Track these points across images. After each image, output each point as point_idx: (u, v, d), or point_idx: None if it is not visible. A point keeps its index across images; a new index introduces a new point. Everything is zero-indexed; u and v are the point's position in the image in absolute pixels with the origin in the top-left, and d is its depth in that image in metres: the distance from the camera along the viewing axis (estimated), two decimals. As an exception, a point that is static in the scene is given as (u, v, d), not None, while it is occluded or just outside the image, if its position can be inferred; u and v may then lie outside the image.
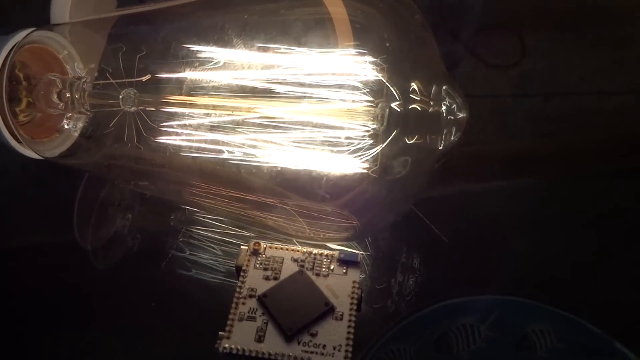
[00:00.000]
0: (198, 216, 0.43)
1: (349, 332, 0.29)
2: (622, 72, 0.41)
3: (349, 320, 0.29)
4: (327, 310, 0.30)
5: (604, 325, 0.31)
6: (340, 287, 0.31)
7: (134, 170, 0.38)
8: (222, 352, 0.28)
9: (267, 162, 0.34)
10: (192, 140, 0.36)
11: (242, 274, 0.31)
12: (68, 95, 0.38)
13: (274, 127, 0.35)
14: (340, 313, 0.30)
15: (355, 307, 0.30)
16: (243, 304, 0.30)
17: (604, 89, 0.40)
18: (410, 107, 0.32)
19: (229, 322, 0.29)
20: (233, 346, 0.28)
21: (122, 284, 0.38)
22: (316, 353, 0.28)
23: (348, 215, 0.33)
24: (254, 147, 0.35)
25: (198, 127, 0.36)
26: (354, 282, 0.31)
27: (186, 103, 0.36)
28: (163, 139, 0.36)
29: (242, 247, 0.33)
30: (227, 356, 0.28)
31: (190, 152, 0.36)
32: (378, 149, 0.32)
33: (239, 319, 0.29)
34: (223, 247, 0.40)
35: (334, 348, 0.28)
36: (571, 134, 0.39)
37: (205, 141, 0.36)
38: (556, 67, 0.42)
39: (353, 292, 0.31)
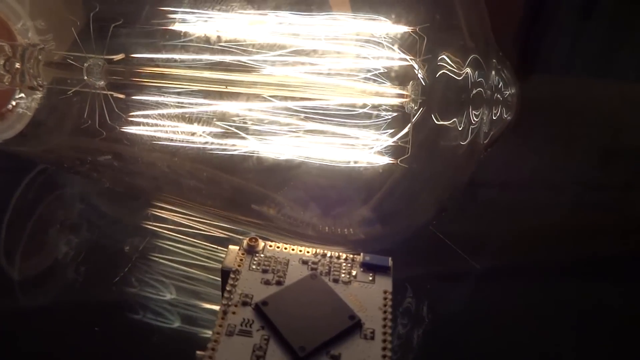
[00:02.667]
0: (160, 243, 0.34)
1: (385, 356, 0.20)
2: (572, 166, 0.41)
3: (384, 341, 0.21)
4: (353, 326, 0.21)
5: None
6: (368, 298, 0.22)
7: (99, 161, 0.29)
8: (201, 377, 0.19)
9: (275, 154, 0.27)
10: (174, 129, 0.29)
11: (232, 276, 0.23)
12: (17, 65, 0.31)
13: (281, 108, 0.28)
14: (371, 330, 0.21)
15: (390, 324, 0.22)
16: (234, 313, 0.21)
17: (556, 182, 0.39)
18: (443, 82, 0.26)
19: (212, 338, 0.20)
20: (219, 369, 0.19)
21: (54, 331, 0.28)
22: (341, 383, 0.19)
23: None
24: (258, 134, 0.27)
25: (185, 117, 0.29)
26: (385, 292, 0.23)
27: (170, 76, 0.29)
28: (136, 129, 0.29)
29: (230, 247, 0.24)
30: (208, 384, 0.19)
31: (171, 143, 0.29)
32: (406, 130, 0.26)
33: (227, 333, 0.20)
34: (184, 285, 0.31)
35: (366, 377, 0.20)
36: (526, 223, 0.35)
37: (194, 132, 0.28)
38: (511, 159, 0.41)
39: (385, 305, 0.22)
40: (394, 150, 0.26)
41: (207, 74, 0.28)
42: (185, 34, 0.29)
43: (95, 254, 0.34)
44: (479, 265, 0.31)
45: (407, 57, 0.26)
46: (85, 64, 0.29)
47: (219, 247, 0.34)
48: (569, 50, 0.52)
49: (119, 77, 0.29)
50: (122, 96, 0.30)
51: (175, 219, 0.36)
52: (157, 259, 0.34)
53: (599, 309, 0.30)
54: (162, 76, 0.29)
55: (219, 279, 0.23)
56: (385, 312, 0.22)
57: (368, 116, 0.27)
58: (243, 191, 0.26)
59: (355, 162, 0.26)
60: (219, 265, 0.32)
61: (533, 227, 0.35)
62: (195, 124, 0.29)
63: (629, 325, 0.30)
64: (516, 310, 0.30)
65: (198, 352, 0.20)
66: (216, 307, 0.22)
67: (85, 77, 0.29)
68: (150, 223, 0.36)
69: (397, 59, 0.25)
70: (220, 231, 0.34)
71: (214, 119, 0.28)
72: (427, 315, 0.29)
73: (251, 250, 0.24)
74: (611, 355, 0.28)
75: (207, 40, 0.29)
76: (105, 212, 0.38)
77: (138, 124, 0.30)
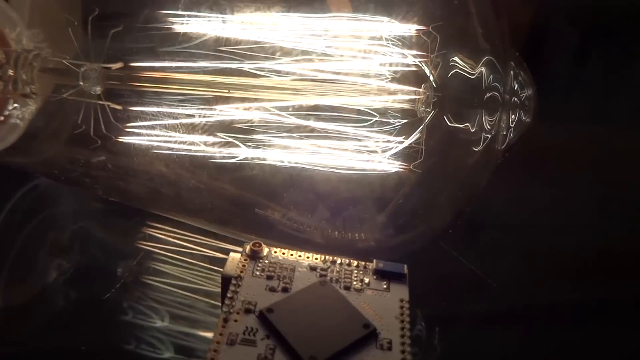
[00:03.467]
0: (155, 265, 0.32)
1: (404, 368, 0.18)
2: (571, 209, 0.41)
3: (403, 352, 0.19)
4: (368, 335, 0.19)
5: None
6: (383, 307, 0.20)
7: (93, 163, 0.27)
8: (199, 390, 0.17)
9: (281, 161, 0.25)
10: (174, 139, 0.27)
11: (233, 282, 0.21)
12: (11, 72, 0.29)
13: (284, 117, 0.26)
14: (388, 340, 0.19)
15: (408, 334, 0.19)
16: (235, 321, 0.19)
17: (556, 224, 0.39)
18: (456, 84, 0.24)
19: (212, 347, 0.18)
20: (219, 382, 0.17)
21: None
22: (356, 397, 0.17)
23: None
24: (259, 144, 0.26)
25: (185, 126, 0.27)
26: (401, 300, 0.21)
27: (170, 81, 0.28)
28: (133, 139, 0.27)
29: (231, 254, 0.22)
30: (207, 398, 0.17)
31: (170, 152, 0.27)
32: (418, 131, 0.24)
33: (228, 342, 0.18)
34: (179, 312, 0.29)
35: (384, 390, 0.17)
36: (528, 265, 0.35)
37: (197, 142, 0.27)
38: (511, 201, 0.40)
39: (403, 315, 0.20)
40: (407, 156, 0.25)
41: (208, 77, 0.27)
42: (187, 38, 0.28)
43: (86, 278, 0.32)
44: (495, 284, 0.29)
45: (418, 59, 0.25)
46: (81, 69, 0.28)
47: (217, 268, 0.32)
48: (565, 95, 0.53)
49: (117, 82, 0.28)
50: (119, 107, 0.29)
51: (171, 239, 0.34)
52: (150, 281, 0.32)
53: (601, 352, 0.29)
54: (162, 81, 0.28)
55: (218, 304, 0.21)
56: (402, 321, 0.20)
57: (379, 122, 0.25)
58: (246, 192, 0.24)
59: (367, 168, 0.25)
60: (217, 289, 0.30)
61: (535, 269, 0.34)
62: (197, 133, 0.27)
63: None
64: (517, 352, 0.28)
65: (196, 364, 0.18)
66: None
67: (82, 83, 0.28)
68: (145, 243, 0.34)
69: (406, 61, 0.24)
70: (219, 253, 0.32)
71: (217, 127, 0.27)
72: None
73: (254, 256, 0.22)
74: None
75: (208, 44, 0.28)
76: (98, 233, 0.36)
77: (136, 134, 0.28)
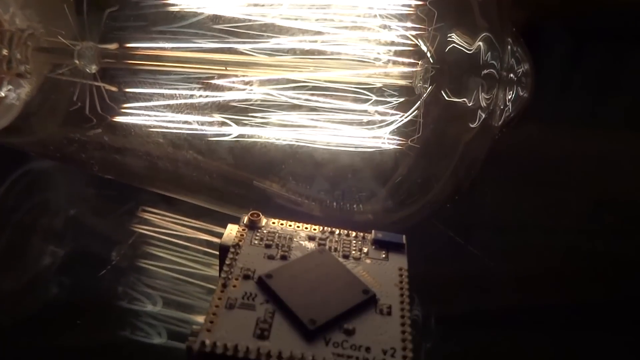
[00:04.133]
0: (151, 249, 0.32)
1: (404, 332, 0.18)
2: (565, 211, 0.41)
3: (402, 317, 0.19)
4: (368, 301, 0.19)
5: None
6: (382, 275, 0.20)
7: (89, 136, 0.27)
8: (199, 351, 0.16)
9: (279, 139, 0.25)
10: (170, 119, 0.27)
11: (232, 250, 0.20)
12: (5, 52, 0.29)
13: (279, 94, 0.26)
14: (387, 306, 0.19)
15: (407, 300, 0.19)
16: (234, 286, 0.19)
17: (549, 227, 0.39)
18: (453, 59, 0.24)
19: (210, 311, 0.18)
20: (218, 343, 0.17)
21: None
22: (356, 357, 0.17)
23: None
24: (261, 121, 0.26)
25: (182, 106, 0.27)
26: (400, 269, 0.21)
27: (166, 58, 0.28)
28: (130, 119, 0.27)
29: (229, 225, 0.22)
30: (205, 359, 0.17)
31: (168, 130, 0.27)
32: (416, 106, 0.24)
33: (227, 306, 0.18)
34: (174, 297, 0.29)
35: (384, 352, 0.17)
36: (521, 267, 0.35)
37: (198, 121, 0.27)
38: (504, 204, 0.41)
39: (402, 282, 0.20)
40: (405, 132, 0.25)
41: (205, 55, 0.27)
42: (182, 17, 0.28)
43: (79, 264, 0.32)
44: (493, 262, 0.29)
45: (416, 32, 0.25)
46: (77, 47, 0.28)
47: (213, 252, 0.31)
48: (556, 99, 0.53)
49: (112, 60, 0.28)
50: (114, 89, 0.28)
51: (166, 223, 0.34)
52: (145, 266, 0.31)
53: (590, 354, 0.29)
54: (157, 58, 0.28)
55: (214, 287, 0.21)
56: (402, 288, 0.20)
57: (377, 99, 0.25)
58: (244, 165, 0.24)
59: (365, 145, 0.24)
60: (213, 273, 0.30)
61: (528, 271, 0.34)
62: (194, 113, 0.27)
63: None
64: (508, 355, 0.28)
65: (194, 327, 0.17)
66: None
67: (77, 61, 0.28)
68: (139, 227, 0.34)
69: (405, 33, 0.24)
70: (216, 238, 0.32)
71: (214, 106, 0.27)
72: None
73: (253, 226, 0.22)
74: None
75: (204, 23, 0.28)
76: (91, 219, 0.36)
77: (132, 114, 0.28)
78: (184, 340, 0.26)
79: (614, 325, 0.30)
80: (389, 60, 0.25)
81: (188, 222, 0.34)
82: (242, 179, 0.25)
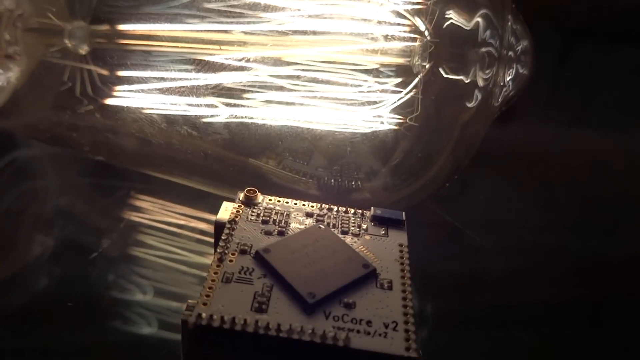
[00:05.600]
0: (141, 237, 0.31)
1: (405, 306, 0.18)
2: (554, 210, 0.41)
3: (404, 291, 0.18)
4: (368, 275, 0.18)
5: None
6: (382, 251, 0.20)
7: (80, 115, 0.26)
8: (196, 324, 0.16)
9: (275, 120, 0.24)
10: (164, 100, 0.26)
11: (228, 226, 0.20)
12: (-6, 33, 0.28)
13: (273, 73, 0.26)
14: (388, 281, 0.18)
15: (408, 275, 0.19)
16: (230, 261, 0.18)
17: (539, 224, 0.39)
18: (451, 36, 0.24)
19: (207, 285, 0.17)
20: (215, 316, 0.16)
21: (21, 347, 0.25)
22: (357, 331, 0.16)
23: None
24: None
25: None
26: (401, 245, 0.20)
27: (158, 37, 0.27)
28: (122, 101, 0.26)
29: (224, 202, 0.22)
30: (201, 333, 0.16)
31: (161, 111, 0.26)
32: (414, 83, 0.24)
33: (223, 279, 0.17)
34: (166, 287, 0.28)
35: (386, 326, 0.17)
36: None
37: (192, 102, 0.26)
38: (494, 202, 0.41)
39: (402, 258, 0.20)
40: (403, 112, 0.24)
41: (197, 34, 0.26)
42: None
43: (69, 253, 0.31)
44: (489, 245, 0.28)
45: (412, 8, 0.24)
46: (67, 27, 0.27)
47: (205, 238, 0.31)
48: (546, 98, 0.53)
49: (103, 40, 0.27)
50: (106, 72, 0.28)
51: (157, 210, 0.33)
52: (136, 254, 0.31)
53: (581, 351, 0.28)
54: (150, 38, 0.27)
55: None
56: (402, 264, 0.19)
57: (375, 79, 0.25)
58: (241, 139, 0.24)
59: (365, 124, 0.24)
60: (206, 261, 0.29)
61: (519, 268, 0.34)
62: (187, 94, 0.27)
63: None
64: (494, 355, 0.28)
65: (190, 301, 0.17)
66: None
67: (67, 42, 0.27)
68: (130, 214, 0.33)
69: (402, 13, 0.24)
70: (208, 225, 0.32)
71: (207, 87, 0.26)
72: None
73: (249, 202, 0.21)
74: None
75: (197, 3, 0.27)
76: (81, 207, 0.35)
77: (124, 96, 0.27)
78: (175, 330, 0.26)
79: (603, 322, 0.30)
80: (387, 37, 0.24)
81: (180, 209, 0.33)
82: (238, 157, 0.24)
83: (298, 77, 0.24)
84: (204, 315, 0.16)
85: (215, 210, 0.24)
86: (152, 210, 0.34)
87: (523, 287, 0.31)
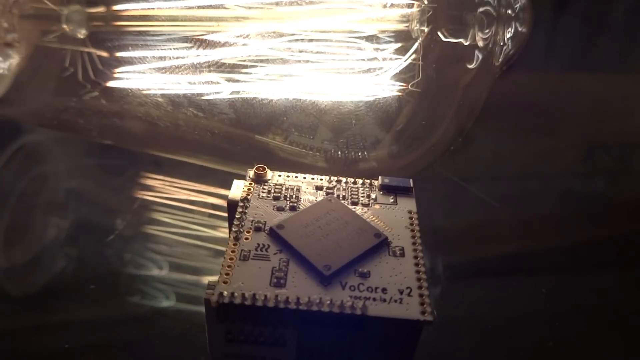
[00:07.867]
0: (154, 215, 0.32)
1: (418, 272, 0.18)
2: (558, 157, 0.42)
3: (416, 257, 0.19)
4: (380, 244, 0.19)
5: None
6: (392, 219, 0.20)
7: (85, 101, 0.27)
8: (218, 303, 0.17)
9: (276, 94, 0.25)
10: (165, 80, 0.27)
11: (241, 204, 0.20)
12: (-9, 21, 0.28)
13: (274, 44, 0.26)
14: (400, 248, 0.19)
15: (419, 241, 0.20)
16: (246, 239, 0.19)
17: (545, 173, 0.40)
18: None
19: (225, 263, 0.18)
20: (236, 293, 0.17)
21: (45, 324, 0.25)
22: (373, 299, 0.17)
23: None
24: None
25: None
26: (410, 212, 0.21)
27: (156, 17, 0.27)
28: (124, 84, 0.26)
29: (235, 181, 0.22)
30: (224, 310, 0.17)
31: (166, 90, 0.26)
32: (414, 47, 0.24)
33: (241, 257, 0.18)
34: (182, 262, 0.28)
35: (401, 292, 0.17)
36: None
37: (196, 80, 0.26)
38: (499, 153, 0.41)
39: (412, 225, 0.20)
40: (404, 78, 0.24)
41: (195, 11, 0.26)
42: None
43: (84, 235, 0.31)
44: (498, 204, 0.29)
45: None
46: (64, 12, 0.27)
47: (217, 212, 0.31)
48: (546, 46, 0.52)
49: (101, 22, 0.27)
50: (105, 54, 0.28)
51: (167, 188, 0.34)
52: (150, 232, 0.31)
53: (593, 296, 0.29)
54: (147, 18, 0.27)
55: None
56: (413, 230, 0.20)
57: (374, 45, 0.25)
58: (247, 117, 0.24)
59: (366, 92, 0.24)
60: (219, 235, 0.29)
61: (525, 217, 0.34)
62: (188, 72, 0.27)
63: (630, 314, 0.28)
64: (510, 302, 0.28)
65: (210, 280, 0.18)
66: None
67: (65, 26, 0.27)
68: (142, 193, 0.34)
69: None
70: (219, 199, 0.32)
71: (209, 64, 0.26)
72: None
73: (259, 180, 0.22)
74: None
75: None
76: (92, 189, 0.36)
77: (125, 78, 0.27)
78: (192, 302, 0.27)
79: (611, 263, 0.31)
80: (385, 5, 0.24)
81: (190, 185, 0.34)
82: (244, 134, 0.25)
83: (299, 51, 0.24)
84: (225, 293, 0.17)
85: (224, 185, 0.24)
86: (162, 188, 0.34)
87: (533, 236, 0.32)
